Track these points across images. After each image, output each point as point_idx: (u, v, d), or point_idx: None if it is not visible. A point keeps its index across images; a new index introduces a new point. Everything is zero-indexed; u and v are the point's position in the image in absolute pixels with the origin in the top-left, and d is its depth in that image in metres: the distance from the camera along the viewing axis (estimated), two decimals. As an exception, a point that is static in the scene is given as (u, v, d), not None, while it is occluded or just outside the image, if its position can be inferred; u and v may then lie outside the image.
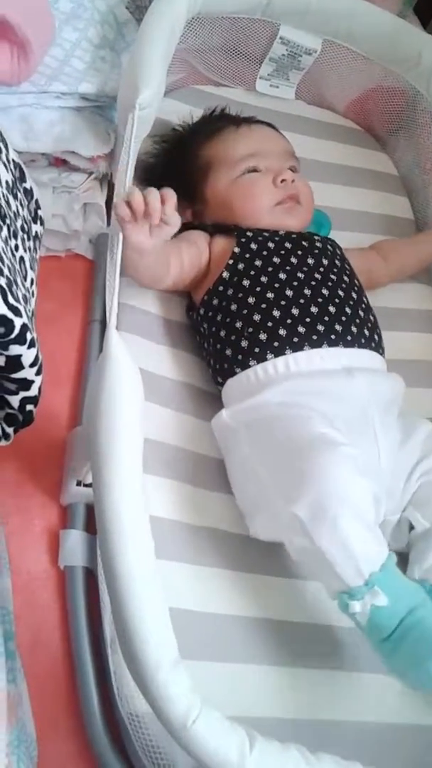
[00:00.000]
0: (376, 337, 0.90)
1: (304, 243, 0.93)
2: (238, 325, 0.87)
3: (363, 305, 0.91)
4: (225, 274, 0.90)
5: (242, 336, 0.87)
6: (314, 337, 0.85)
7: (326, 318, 0.86)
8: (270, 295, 0.87)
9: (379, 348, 0.90)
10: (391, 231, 1.19)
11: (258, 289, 0.88)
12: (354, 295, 0.91)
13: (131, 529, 0.60)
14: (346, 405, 0.81)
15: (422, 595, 0.69)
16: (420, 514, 0.81)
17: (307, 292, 0.88)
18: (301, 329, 0.85)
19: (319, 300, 0.87)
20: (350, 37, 1.17)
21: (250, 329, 0.86)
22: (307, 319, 0.86)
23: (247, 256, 0.90)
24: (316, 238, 0.95)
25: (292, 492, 0.70)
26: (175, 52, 1.09)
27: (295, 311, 0.86)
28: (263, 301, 0.87)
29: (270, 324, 0.86)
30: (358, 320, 0.89)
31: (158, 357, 0.93)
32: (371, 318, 0.92)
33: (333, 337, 0.85)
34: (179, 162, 1.02)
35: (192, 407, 0.91)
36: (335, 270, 0.92)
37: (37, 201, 0.82)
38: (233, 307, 0.88)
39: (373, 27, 1.16)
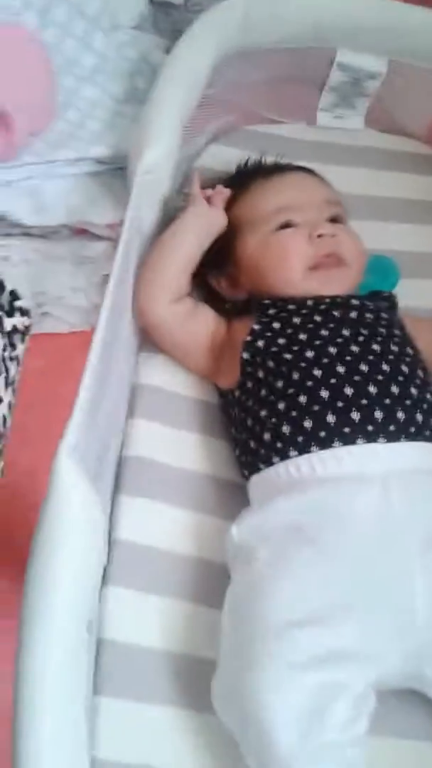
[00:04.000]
0: (432, 422, 0.73)
1: (337, 312, 0.78)
2: (263, 413, 0.74)
3: (418, 380, 0.74)
4: (245, 355, 0.77)
5: (265, 427, 0.73)
6: (346, 429, 0.69)
7: (364, 401, 0.71)
8: (296, 376, 0.73)
9: None
10: None
11: (283, 369, 0.74)
12: (404, 368, 0.74)
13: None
14: (371, 535, 0.65)
15: None
16: None
17: (340, 369, 0.72)
18: (330, 418, 0.70)
19: (356, 378, 0.72)
20: (418, 53, 1.01)
21: (274, 419, 0.73)
22: (339, 404, 0.70)
23: (269, 334, 0.77)
24: (354, 303, 0.80)
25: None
26: (216, 92, 0.99)
27: (324, 394, 0.71)
28: (290, 385, 0.73)
29: (294, 413, 0.71)
30: (408, 401, 0.72)
31: (180, 446, 0.82)
32: (428, 397, 0.74)
33: (371, 427, 0.70)
34: None
35: (214, 505, 0.78)
36: (379, 339, 0.76)
37: (13, 292, 0.74)
38: (262, 391, 0.75)
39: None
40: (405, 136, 1.12)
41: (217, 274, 0.88)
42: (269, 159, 0.97)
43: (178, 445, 0.82)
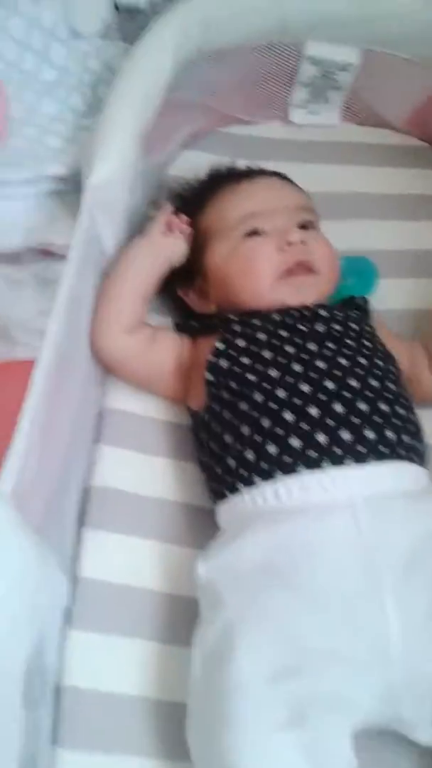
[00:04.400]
0: (407, 438, 0.68)
1: (304, 326, 0.73)
2: (227, 438, 0.70)
3: (388, 394, 0.70)
4: (209, 376, 0.73)
5: (230, 452, 0.69)
6: (312, 453, 0.65)
7: (330, 421, 0.66)
8: (259, 398, 0.69)
9: (412, 454, 0.68)
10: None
11: (246, 391, 0.70)
12: (374, 383, 0.69)
13: None
14: (344, 570, 0.61)
15: None
16: None
17: (304, 388, 0.68)
18: (294, 442, 0.66)
19: (321, 397, 0.67)
20: (391, 40, 0.96)
21: (238, 444, 0.69)
22: (304, 426, 0.66)
23: (233, 353, 0.73)
24: (322, 314, 0.75)
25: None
26: (186, 96, 0.95)
27: (288, 416, 0.67)
28: (253, 407, 0.69)
29: (258, 438, 0.67)
30: (378, 418, 0.67)
31: (150, 472, 0.79)
32: (400, 412, 0.69)
33: (338, 450, 0.65)
34: None
35: (186, 534, 0.75)
36: (347, 353, 0.71)
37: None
38: (225, 414, 0.71)
39: (415, 24, 0.93)
40: (385, 128, 1.07)
41: (186, 286, 0.85)
42: (242, 163, 0.93)
43: (147, 471, 0.79)
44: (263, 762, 0.55)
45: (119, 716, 0.66)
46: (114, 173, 0.77)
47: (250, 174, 0.87)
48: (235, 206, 0.82)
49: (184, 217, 0.83)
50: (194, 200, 0.87)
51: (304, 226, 0.81)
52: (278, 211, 0.80)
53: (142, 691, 0.67)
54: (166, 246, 0.81)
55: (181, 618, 0.69)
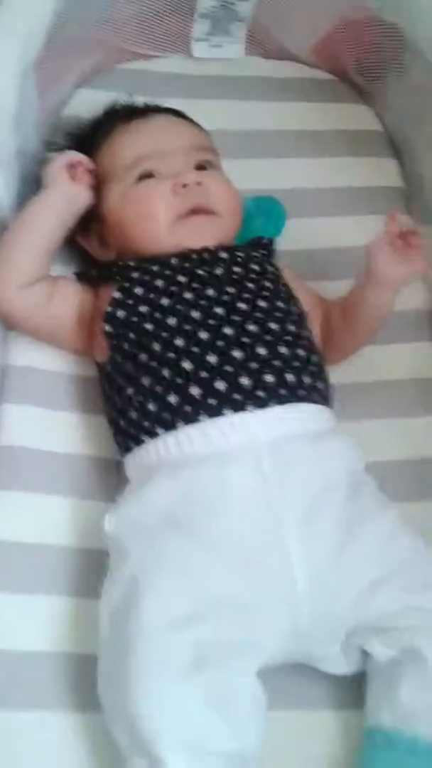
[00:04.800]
0: (308, 380, 0.68)
1: (202, 270, 0.72)
2: (129, 390, 0.69)
3: (288, 336, 0.69)
4: (107, 327, 0.71)
5: (132, 404, 0.68)
6: (212, 401, 0.65)
7: (228, 368, 0.66)
8: (157, 347, 0.68)
9: (315, 395, 0.68)
10: (377, 207, 0.93)
11: (144, 341, 0.69)
12: (274, 326, 0.69)
13: None
14: (247, 514, 0.61)
15: None
16: (379, 640, 0.61)
17: (203, 336, 0.67)
18: (194, 391, 0.65)
19: (220, 344, 0.67)
20: (291, -35, 0.92)
21: (140, 396, 0.68)
22: (203, 374, 0.65)
23: (130, 302, 0.71)
24: (223, 256, 0.74)
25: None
26: (80, 31, 0.90)
27: (186, 365, 0.66)
28: (152, 358, 0.68)
29: (159, 388, 0.66)
30: (278, 362, 0.67)
31: (57, 428, 0.77)
32: (300, 353, 0.69)
33: (238, 396, 0.65)
34: None
35: (97, 489, 0.74)
36: (246, 297, 0.70)
37: None
38: (127, 366, 0.70)
39: None
40: (292, 61, 1.04)
41: (86, 233, 0.82)
42: (141, 100, 0.89)
43: (55, 427, 0.77)
44: (167, 709, 0.55)
45: (34, 673, 0.65)
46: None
47: (143, 112, 0.83)
48: (128, 147, 0.79)
49: (87, 160, 0.79)
50: (88, 141, 0.83)
51: (201, 167, 0.78)
52: (173, 152, 0.78)
53: (55, 646, 0.67)
54: (73, 193, 0.77)
55: (93, 571, 0.69)
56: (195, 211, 0.75)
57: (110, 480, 0.74)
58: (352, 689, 0.64)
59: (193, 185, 0.75)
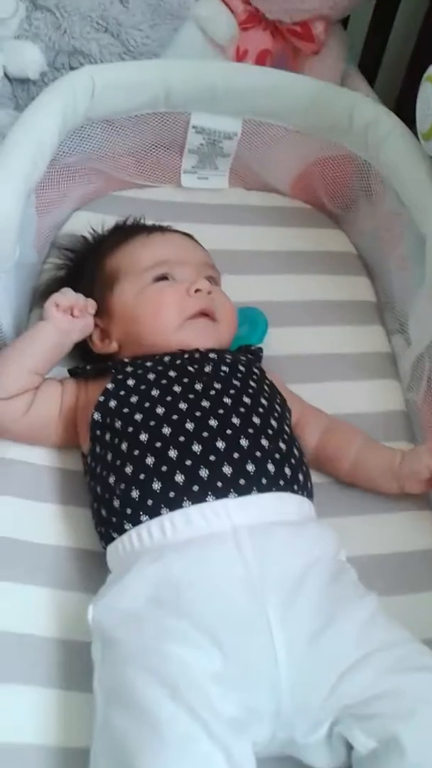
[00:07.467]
0: (288, 471, 0.71)
1: (192, 366, 0.76)
2: (111, 479, 0.71)
3: (270, 430, 0.73)
4: (96, 416, 0.75)
5: (114, 493, 0.70)
6: (195, 488, 0.67)
7: (212, 457, 0.68)
8: (143, 437, 0.71)
9: (295, 487, 0.71)
10: (352, 317, 1.01)
11: (131, 430, 0.72)
12: (256, 420, 0.73)
13: None
14: (228, 597, 0.62)
15: None
16: (360, 729, 0.59)
17: (189, 426, 0.70)
18: (179, 478, 0.68)
19: (205, 435, 0.70)
20: (271, 112, 1.04)
21: (123, 484, 0.70)
22: (188, 462, 0.68)
23: (122, 392, 0.75)
24: (212, 356, 0.79)
25: None
26: (79, 160, 0.99)
27: (172, 453, 0.69)
28: (136, 446, 0.71)
29: (143, 476, 0.69)
30: (259, 452, 0.70)
31: (39, 519, 0.78)
32: (281, 447, 0.72)
33: (220, 483, 0.67)
34: (85, 274, 0.90)
35: (79, 580, 0.74)
36: (231, 392, 0.74)
37: None
38: (108, 456, 0.72)
39: (292, 97, 1.02)
40: (273, 192, 1.14)
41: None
42: (146, 221, 0.98)
43: (38, 518, 0.78)
44: None
45: (17, 765, 0.63)
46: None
47: (161, 228, 0.93)
48: (148, 252, 0.87)
49: (83, 302, 0.82)
50: (106, 242, 0.91)
51: (209, 280, 0.86)
52: (188, 263, 0.86)
53: (40, 739, 0.65)
54: (69, 331, 0.81)
55: (76, 663, 0.68)
56: (202, 314, 0.82)
57: (93, 571, 0.74)
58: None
59: (204, 292, 0.83)
